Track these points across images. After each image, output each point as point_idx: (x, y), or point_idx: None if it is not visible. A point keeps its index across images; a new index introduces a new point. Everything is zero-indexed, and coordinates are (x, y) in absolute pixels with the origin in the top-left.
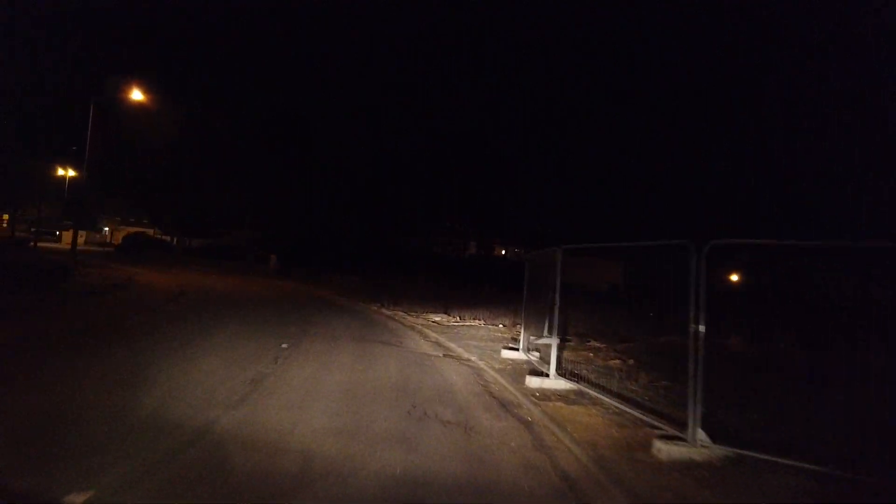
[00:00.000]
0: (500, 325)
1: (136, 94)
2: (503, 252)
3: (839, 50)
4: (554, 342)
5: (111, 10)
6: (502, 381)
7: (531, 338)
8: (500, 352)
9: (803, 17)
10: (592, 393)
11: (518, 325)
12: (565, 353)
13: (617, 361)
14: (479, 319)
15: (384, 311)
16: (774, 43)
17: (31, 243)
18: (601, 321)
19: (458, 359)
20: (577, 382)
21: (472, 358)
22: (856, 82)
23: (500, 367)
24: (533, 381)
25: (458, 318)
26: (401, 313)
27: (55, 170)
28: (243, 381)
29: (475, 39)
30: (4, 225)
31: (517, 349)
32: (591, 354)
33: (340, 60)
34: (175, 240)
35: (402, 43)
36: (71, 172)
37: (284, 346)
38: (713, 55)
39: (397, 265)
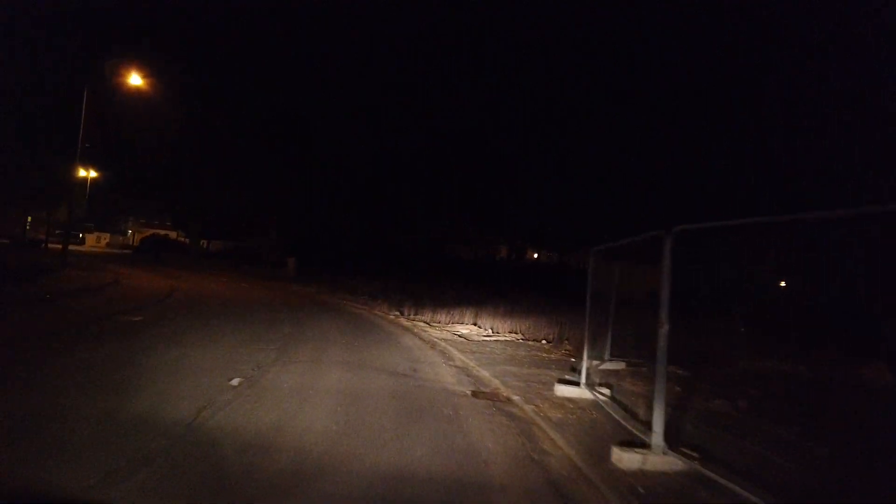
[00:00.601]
0: (543, 342)
1: (135, 80)
2: (535, 255)
3: (839, 50)
4: (660, 384)
5: (111, 9)
6: (571, 451)
7: (594, 362)
8: (552, 386)
9: (803, 17)
10: (738, 489)
11: (567, 342)
12: (640, 386)
13: (721, 402)
14: (517, 333)
15: (402, 320)
16: (774, 43)
17: (43, 245)
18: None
19: (494, 399)
20: (701, 462)
21: (515, 397)
22: (856, 82)
23: (558, 416)
24: (626, 459)
25: (490, 331)
26: (421, 324)
27: (76, 171)
28: (98, 475)
29: (475, 39)
30: (27, 227)
31: (577, 383)
32: (678, 388)
33: (340, 60)
34: (190, 242)
35: (402, 43)
36: (92, 174)
37: (235, 382)
38: (713, 55)
39: (423, 270)
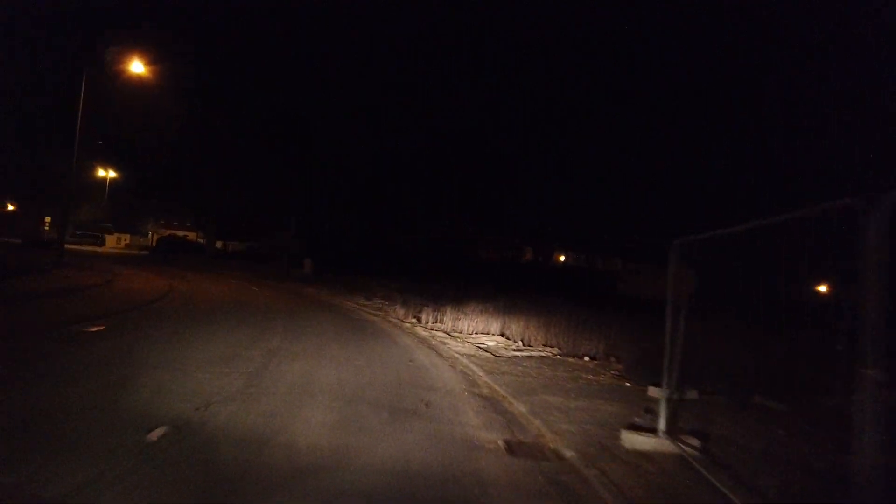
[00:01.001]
0: (586, 358)
1: (137, 67)
2: (561, 258)
3: (839, 50)
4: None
5: (111, 10)
6: None
7: (663, 390)
8: (615, 431)
9: (803, 17)
10: None
11: (615, 360)
12: (736, 429)
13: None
14: (552, 345)
15: (419, 329)
16: (774, 43)
17: (56, 245)
18: (715, 353)
19: (539, 458)
20: None
21: (568, 453)
22: (856, 82)
23: (640, 492)
24: None
25: (520, 343)
26: (441, 334)
27: (96, 171)
28: None
29: (475, 39)
30: (47, 227)
31: (651, 428)
32: (781, 431)
33: (340, 60)
34: (206, 242)
35: (402, 43)
36: (111, 174)
37: (156, 435)
38: (713, 55)
39: (446, 271)
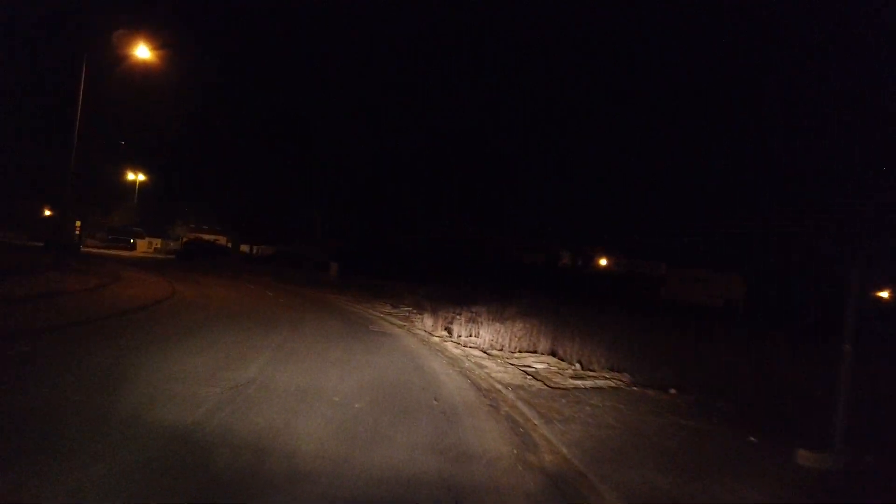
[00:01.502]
0: (672, 391)
1: (143, 52)
2: (602, 262)
3: (839, 50)
4: None
5: (111, 10)
6: None
7: (804, 452)
8: None
9: (803, 17)
10: None
11: (705, 393)
12: None
13: None
14: (618, 369)
15: (449, 345)
16: (774, 43)
17: (79, 247)
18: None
19: None
20: None
21: None
22: (856, 82)
23: None
24: None
25: (577, 367)
26: (476, 352)
27: (125, 175)
28: None
29: (475, 39)
30: (77, 230)
31: None
32: None
33: (340, 60)
34: (230, 245)
35: (402, 43)
36: (141, 177)
37: None
38: (713, 55)
39: (479, 275)
